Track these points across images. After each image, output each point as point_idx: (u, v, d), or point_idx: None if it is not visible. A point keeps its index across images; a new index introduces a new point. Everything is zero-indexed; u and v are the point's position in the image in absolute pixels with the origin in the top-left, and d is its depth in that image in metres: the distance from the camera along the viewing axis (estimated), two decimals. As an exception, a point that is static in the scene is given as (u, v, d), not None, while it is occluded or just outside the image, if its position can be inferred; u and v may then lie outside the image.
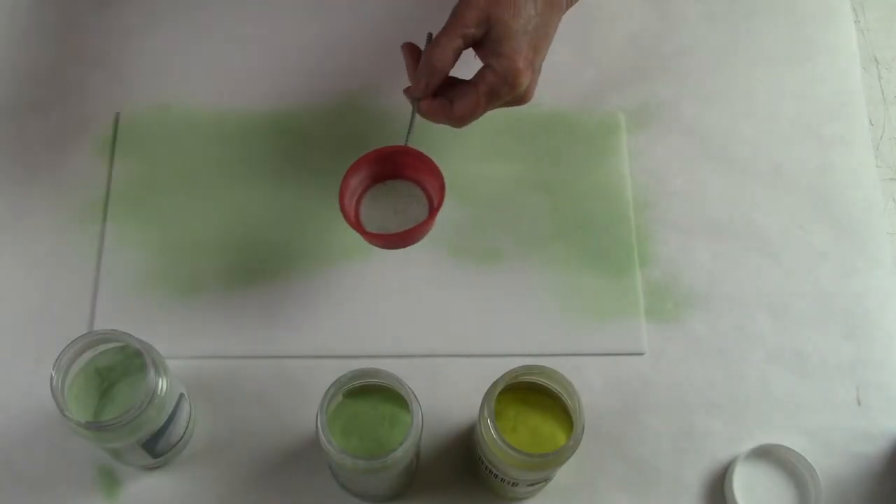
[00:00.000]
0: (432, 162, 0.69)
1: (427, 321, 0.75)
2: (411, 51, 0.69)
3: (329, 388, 0.61)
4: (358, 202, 0.72)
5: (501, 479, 0.66)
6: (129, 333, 0.63)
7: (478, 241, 0.78)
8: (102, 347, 0.64)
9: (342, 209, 0.68)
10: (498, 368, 0.63)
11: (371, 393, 0.64)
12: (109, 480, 0.70)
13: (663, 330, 0.76)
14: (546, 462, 0.62)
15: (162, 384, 0.63)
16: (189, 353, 0.73)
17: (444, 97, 0.68)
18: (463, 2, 0.67)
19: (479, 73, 0.67)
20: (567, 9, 0.70)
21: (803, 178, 0.82)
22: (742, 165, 0.82)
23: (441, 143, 0.81)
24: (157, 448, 0.66)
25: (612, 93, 0.84)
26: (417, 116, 0.69)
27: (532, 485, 0.68)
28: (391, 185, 0.73)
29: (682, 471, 0.72)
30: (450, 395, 0.73)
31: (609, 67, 0.85)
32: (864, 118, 0.85)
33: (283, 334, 0.74)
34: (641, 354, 0.75)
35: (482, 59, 0.67)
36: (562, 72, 0.85)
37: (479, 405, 0.63)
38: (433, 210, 0.69)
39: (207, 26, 0.85)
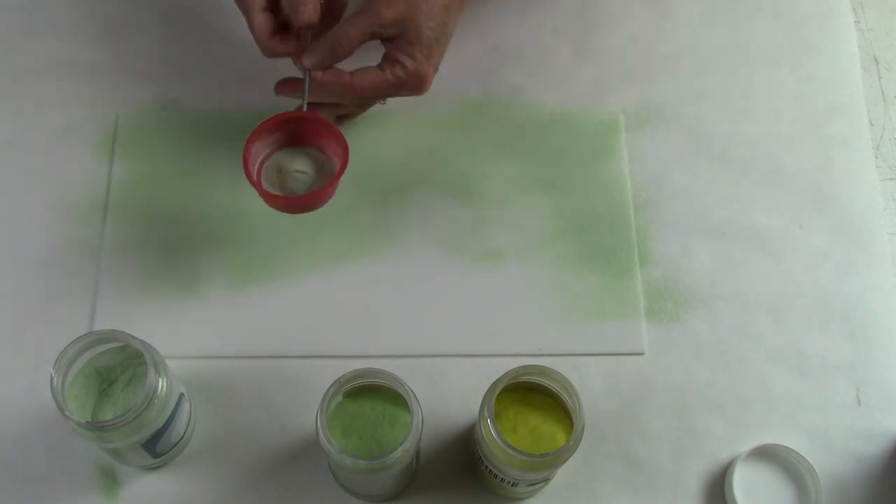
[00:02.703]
0: (334, 127, 0.69)
1: (427, 321, 0.75)
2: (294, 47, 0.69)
3: (329, 388, 0.61)
4: (259, 168, 0.71)
5: (501, 479, 0.66)
6: (129, 333, 0.63)
7: (478, 241, 0.78)
8: (102, 347, 0.64)
9: (246, 170, 0.67)
10: (498, 368, 0.63)
11: (371, 393, 0.64)
12: (109, 480, 0.70)
13: (663, 330, 0.76)
14: (546, 462, 0.62)
15: (162, 384, 0.63)
16: (189, 353, 0.73)
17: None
18: (383, 1, 0.67)
19: (390, 63, 0.69)
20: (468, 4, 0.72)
21: (803, 178, 0.82)
22: (742, 165, 0.82)
23: (442, 143, 0.81)
24: (157, 448, 0.66)
25: (611, 93, 0.84)
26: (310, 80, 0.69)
27: (532, 485, 0.68)
28: (294, 152, 0.72)
29: (682, 471, 0.72)
30: (450, 395, 0.73)
31: (609, 67, 0.85)
32: (864, 118, 0.85)
33: (283, 334, 0.74)
34: (641, 354, 0.75)
35: (391, 52, 0.69)
36: (562, 72, 0.85)
37: (479, 405, 0.63)
38: (338, 173, 0.68)
39: (208, 26, 0.85)
